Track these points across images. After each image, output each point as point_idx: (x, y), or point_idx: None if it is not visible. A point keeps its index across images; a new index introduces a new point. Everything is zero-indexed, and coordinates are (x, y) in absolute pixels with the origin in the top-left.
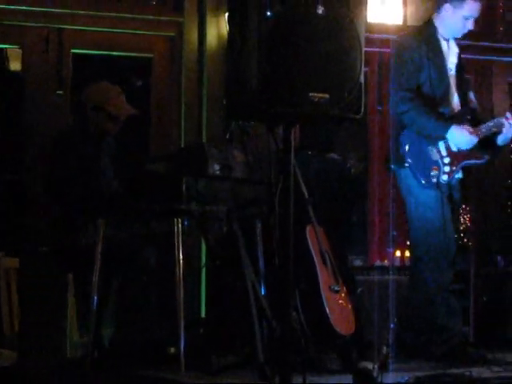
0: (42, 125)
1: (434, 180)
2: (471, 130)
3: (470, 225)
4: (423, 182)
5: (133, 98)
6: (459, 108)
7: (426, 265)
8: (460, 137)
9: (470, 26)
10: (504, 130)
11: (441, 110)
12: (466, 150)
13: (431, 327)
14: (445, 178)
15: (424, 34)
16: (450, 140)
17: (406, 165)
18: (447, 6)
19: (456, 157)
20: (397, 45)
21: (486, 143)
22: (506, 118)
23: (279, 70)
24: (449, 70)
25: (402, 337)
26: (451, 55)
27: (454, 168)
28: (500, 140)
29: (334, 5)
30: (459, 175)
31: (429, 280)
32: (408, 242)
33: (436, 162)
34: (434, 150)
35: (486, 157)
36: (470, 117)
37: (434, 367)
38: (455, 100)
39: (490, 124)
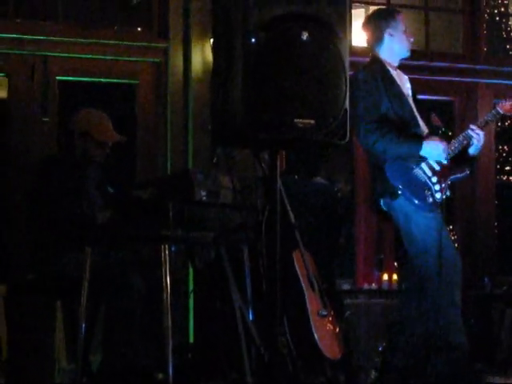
0: (27, 152)
1: (430, 200)
2: (442, 141)
3: (457, 246)
4: (420, 204)
5: (118, 124)
6: (426, 129)
7: (438, 285)
8: (434, 149)
9: (410, 37)
10: (474, 140)
11: (414, 131)
12: (448, 165)
13: (439, 346)
14: (438, 196)
15: (374, 68)
16: (425, 155)
17: (400, 192)
18: (389, 31)
19: (441, 174)
20: (353, 81)
21: (462, 158)
22: (472, 130)
23: (264, 96)
24: (407, 96)
25: (393, 360)
26: (403, 82)
27: (443, 185)
28: (472, 151)
29: (318, 30)
30: (448, 193)
31: (445, 297)
32: (396, 264)
33: (425, 183)
34: (420, 172)
35: (468, 170)
36: (441, 135)
37: None
38: (421, 122)
39: (460, 138)
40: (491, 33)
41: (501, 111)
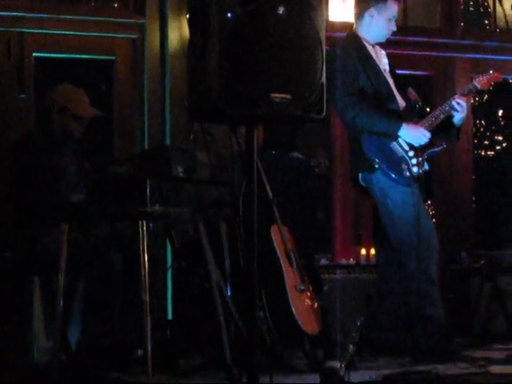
0: (4, 129)
1: (407, 174)
2: (421, 125)
3: (435, 220)
4: (397, 178)
5: (96, 100)
6: (404, 104)
7: (413, 259)
8: (412, 134)
9: (393, 27)
10: (459, 109)
11: (390, 106)
12: (420, 145)
13: (416, 320)
14: (415, 170)
15: (350, 43)
16: (403, 137)
17: (376, 166)
18: (371, 11)
19: (418, 148)
20: (329, 56)
21: (444, 128)
22: (454, 99)
23: (240, 71)
24: (383, 71)
25: (372, 335)
26: (380, 58)
27: (421, 159)
28: (456, 120)
29: (294, 5)
30: (426, 167)
31: (418, 272)
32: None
33: (402, 157)
34: (397, 146)
35: (444, 144)
36: (418, 110)
37: (401, 365)
38: (398, 97)
39: (441, 108)
40: (468, 7)
41: (478, 86)
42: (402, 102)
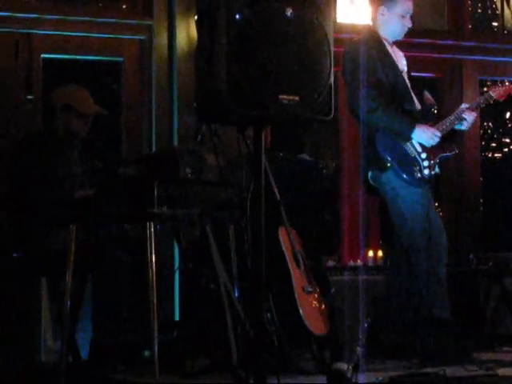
0: (12, 130)
1: (418, 175)
2: (434, 127)
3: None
4: (408, 179)
5: (103, 101)
6: (419, 107)
7: (423, 259)
8: (424, 134)
9: (408, 23)
10: (465, 122)
11: (406, 107)
12: (437, 144)
13: (425, 321)
14: (427, 172)
15: (370, 40)
16: (414, 139)
17: (388, 165)
18: (381, 9)
19: (431, 151)
20: (347, 53)
21: (450, 134)
22: (463, 111)
23: (248, 73)
24: (402, 71)
25: (379, 337)
26: (399, 58)
27: (432, 162)
28: (464, 126)
29: (302, 7)
30: (437, 170)
31: (427, 273)
32: (380, 241)
33: (414, 158)
34: (410, 147)
35: (456, 150)
36: (433, 114)
37: (408, 367)
38: (415, 98)
39: (452, 118)
40: (476, 9)
41: (493, 96)
42: (417, 105)
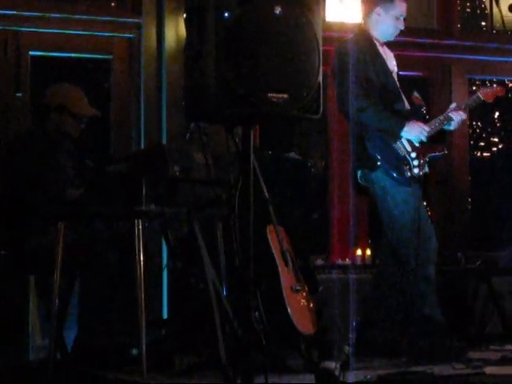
0: (1, 128)
1: (408, 174)
2: (423, 123)
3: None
4: (398, 178)
5: (92, 99)
6: (408, 106)
7: (412, 258)
8: (413, 129)
9: (401, 26)
10: (454, 123)
11: (396, 107)
12: (427, 142)
13: (414, 320)
14: (416, 171)
15: (361, 39)
16: (404, 136)
17: (379, 163)
18: (378, 10)
19: (421, 150)
20: (338, 52)
21: (441, 136)
22: (453, 112)
23: (237, 71)
24: (392, 71)
25: (368, 335)
26: (389, 58)
27: (422, 161)
28: (452, 126)
29: (290, 5)
30: (427, 169)
31: (416, 272)
32: (369, 241)
33: (404, 158)
34: (400, 146)
35: (445, 150)
36: (422, 114)
37: (396, 365)
38: (404, 99)
39: (441, 118)
40: (465, 9)
41: (481, 97)
42: (407, 105)
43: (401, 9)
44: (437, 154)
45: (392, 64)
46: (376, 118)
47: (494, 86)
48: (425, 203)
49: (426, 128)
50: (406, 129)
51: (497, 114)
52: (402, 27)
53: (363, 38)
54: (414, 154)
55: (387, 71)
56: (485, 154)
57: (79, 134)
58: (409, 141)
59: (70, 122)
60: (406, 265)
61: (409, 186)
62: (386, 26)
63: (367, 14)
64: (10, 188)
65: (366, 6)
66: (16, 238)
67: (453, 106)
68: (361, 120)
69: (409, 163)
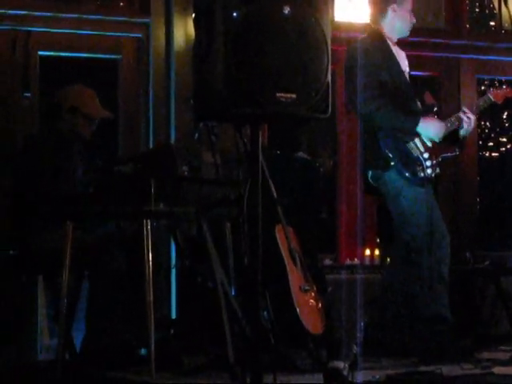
0: (8, 128)
1: (422, 174)
2: (438, 120)
3: None
4: (411, 178)
5: (101, 99)
6: (420, 106)
7: (426, 258)
8: (430, 127)
9: (413, 19)
10: (464, 124)
11: (410, 107)
12: (439, 143)
13: (424, 320)
14: (429, 171)
15: (374, 39)
16: (421, 133)
17: (392, 164)
18: (393, 6)
19: (433, 151)
20: (350, 53)
21: (452, 138)
22: (463, 112)
23: (246, 71)
24: (404, 71)
25: (376, 335)
26: (401, 58)
27: (435, 162)
28: (462, 132)
29: (299, 5)
30: (438, 170)
31: (431, 271)
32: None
33: (417, 158)
34: (413, 146)
35: (458, 150)
36: (434, 113)
37: (405, 365)
38: (416, 98)
39: (452, 119)
40: (474, 8)
41: (492, 98)
42: (419, 105)
43: (410, 1)
44: (449, 154)
45: (404, 64)
46: (390, 117)
47: (504, 86)
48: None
49: (443, 128)
50: (422, 125)
51: (506, 113)
52: (414, 20)
53: (376, 38)
54: (426, 155)
55: (400, 71)
56: (493, 154)
57: (90, 136)
58: (422, 141)
59: (82, 124)
60: (418, 265)
61: (422, 187)
62: (401, 21)
63: (380, 13)
64: (22, 187)
65: (378, 6)
66: (24, 238)
67: (463, 108)
68: (375, 120)
69: (422, 164)
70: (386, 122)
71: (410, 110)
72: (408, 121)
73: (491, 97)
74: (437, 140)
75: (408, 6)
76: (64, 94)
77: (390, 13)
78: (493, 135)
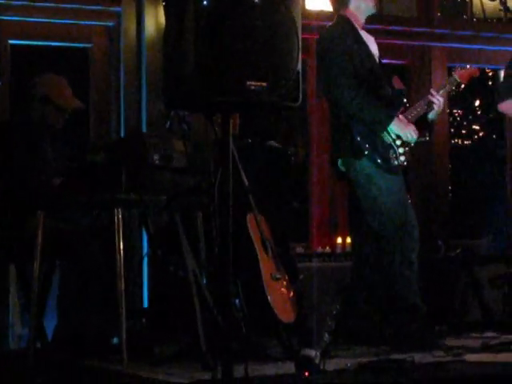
0: None
1: (395, 162)
2: (405, 115)
3: None
4: (384, 165)
5: (72, 88)
6: (390, 92)
7: (397, 245)
8: (403, 129)
9: None
10: (434, 106)
11: (380, 92)
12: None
13: (396, 307)
14: (403, 158)
15: (343, 27)
16: (393, 131)
17: (366, 152)
18: None
19: None
20: (321, 41)
21: (421, 122)
22: (432, 95)
23: (216, 59)
24: (375, 56)
25: (348, 323)
26: (370, 43)
27: (407, 148)
28: (431, 115)
29: None
30: (410, 157)
31: (401, 259)
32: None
33: (390, 145)
34: (386, 134)
35: (428, 134)
36: (403, 99)
37: (377, 353)
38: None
39: (422, 103)
40: None
41: (457, 79)
42: (388, 90)
43: None
44: (420, 139)
45: (374, 48)
46: (364, 109)
47: (468, 66)
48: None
49: (416, 131)
50: (395, 125)
51: (478, 101)
52: None
53: (344, 24)
54: (399, 142)
55: (371, 56)
56: (466, 142)
57: (62, 126)
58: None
59: (54, 113)
60: (389, 253)
61: (395, 174)
62: (365, 0)
63: (345, 2)
64: None
65: None
66: None
67: (431, 91)
68: (349, 109)
69: (395, 151)
70: (360, 112)
71: (380, 95)
72: (382, 116)
73: (456, 77)
74: (409, 141)
75: None
76: (36, 84)
77: None
78: (465, 123)
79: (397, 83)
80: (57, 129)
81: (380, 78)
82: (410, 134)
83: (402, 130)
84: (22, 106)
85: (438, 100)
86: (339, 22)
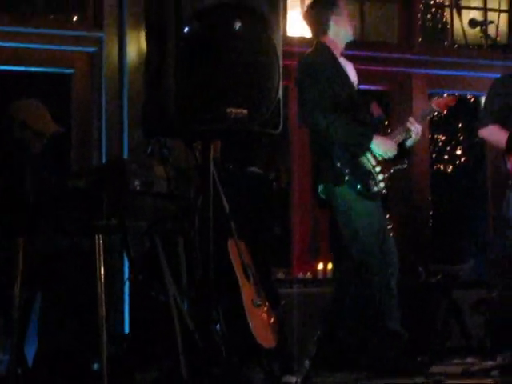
0: None
1: (375, 189)
2: (390, 139)
3: (391, 234)
4: (364, 192)
5: (53, 114)
6: (368, 118)
7: (376, 272)
8: (383, 146)
9: (353, 22)
10: (412, 134)
11: (360, 118)
12: (389, 157)
13: (376, 334)
14: (382, 185)
15: (321, 54)
16: (374, 150)
17: (346, 178)
18: (333, 18)
19: (384, 164)
20: (300, 67)
21: (400, 150)
22: (410, 123)
23: (197, 86)
24: (353, 83)
25: (329, 349)
26: (349, 70)
27: (386, 175)
28: (409, 143)
29: (250, 20)
30: (388, 183)
31: (380, 285)
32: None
33: (370, 172)
34: (365, 160)
35: (406, 161)
36: (383, 125)
37: (357, 379)
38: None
39: (400, 130)
40: (426, 23)
41: (434, 107)
42: (368, 117)
43: (345, 7)
44: (399, 166)
45: (353, 75)
46: (344, 132)
47: (445, 95)
48: (387, 215)
49: (395, 147)
50: (376, 142)
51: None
52: (355, 22)
53: (323, 51)
54: (378, 168)
55: (349, 83)
56: (447, 167)
57: (40, 150)
58: (373, 155)
59: (32, 139)
60: (368, 279)
61: (374, 201)
62: (344, 28)
63: (323, 27)
64: None
65: (319, 21)
66: None
67: (409, 118)
68: (328, 134)
69: (374, 177)
70: (339, 135)
71: (360, 122)
72: (362, 136)
73: (433, 106)
74: (387, 157)
75: (345, 11)
76: (14, 109)
77: (331, 25)
78: (448, 148)
79: (375, 110)
80: (35, 154)
81: (358, 105)
82: (390, 149)
83: (381, 147)
84: (2, 131)
85: (416, 128)
86: (318, 49)
